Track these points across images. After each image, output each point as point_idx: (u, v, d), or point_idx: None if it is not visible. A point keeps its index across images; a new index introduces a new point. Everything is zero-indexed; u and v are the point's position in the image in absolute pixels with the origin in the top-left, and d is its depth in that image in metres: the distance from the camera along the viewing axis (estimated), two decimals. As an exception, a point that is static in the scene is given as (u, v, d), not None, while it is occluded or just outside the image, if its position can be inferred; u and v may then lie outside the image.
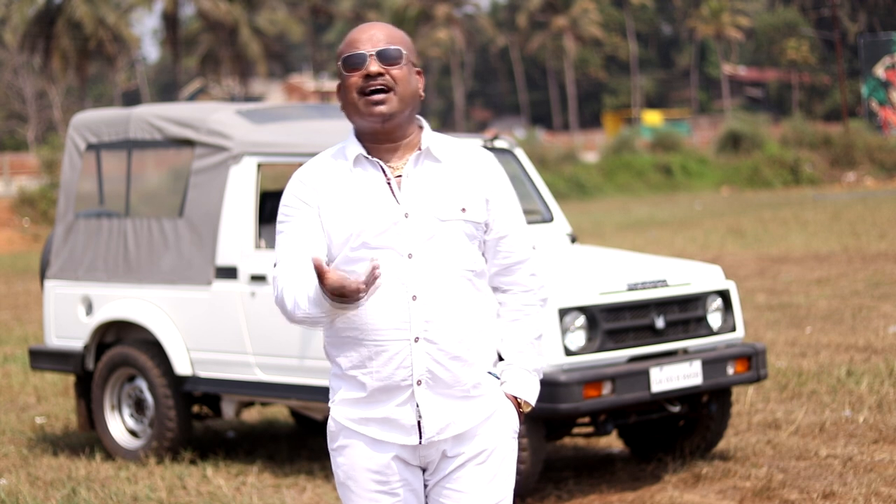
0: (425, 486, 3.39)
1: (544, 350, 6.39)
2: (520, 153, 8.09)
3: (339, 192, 3.29)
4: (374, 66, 3.25)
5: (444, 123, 77.65)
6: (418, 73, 3.35)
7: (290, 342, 7.22)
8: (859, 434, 7.71)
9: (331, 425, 3.38)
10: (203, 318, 7.66)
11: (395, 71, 3.26)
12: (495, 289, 3.43)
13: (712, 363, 6.88)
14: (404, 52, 3.28)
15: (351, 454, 3.34)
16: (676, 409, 7.06)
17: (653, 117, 72.39)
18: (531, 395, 3.43)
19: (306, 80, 79.45)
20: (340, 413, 3.34)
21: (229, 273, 7.53)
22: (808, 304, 13.46)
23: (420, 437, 3.29)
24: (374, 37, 3.28)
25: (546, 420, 6.67)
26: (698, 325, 6.98)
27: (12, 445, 8.58)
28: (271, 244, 7.43)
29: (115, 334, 8.16)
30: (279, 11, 61.69)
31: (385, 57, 3.26)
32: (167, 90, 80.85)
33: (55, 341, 8.33)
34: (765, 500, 6.54)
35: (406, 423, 3.28)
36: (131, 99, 74.93)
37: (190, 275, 7.71)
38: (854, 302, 13.45)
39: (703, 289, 7.02)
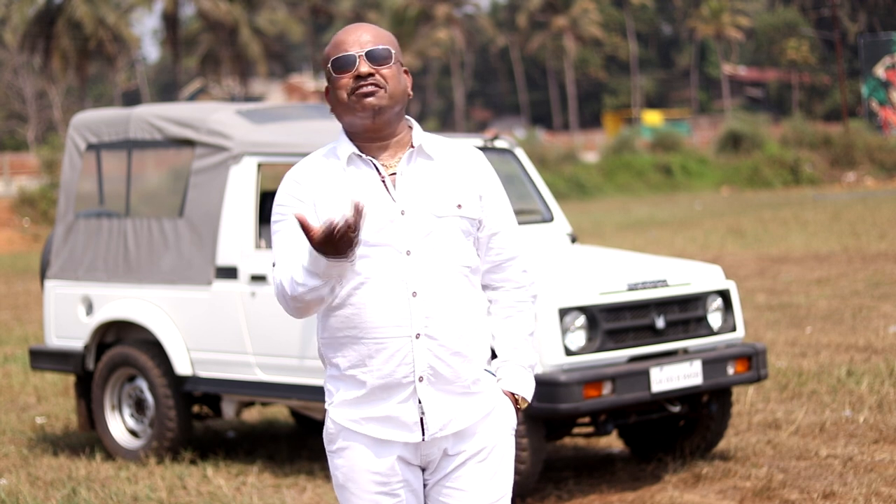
0: (425, 485, 3.39)
1: (536, 346, 6.41)
2: (520, 153, 8.09)
3: (334, 191, 3.29)
4: (364, 67, 3.27)
5: (444, 123, 77.65)
6: (405, 72, 3.37)
7: (290, 342, 7.22)
8: (859, 434, 7.71)
9: (329, 427, 3.37)
10: (203, 318, 7.66)
11: (384, 70, 3.29)
12: (486, 286, 3.44)
13: (712, 363, 6.88)
14: (393, 51, 3.30)
15: (351, 456, 3.33)
16: (676, 409, 7.06)
17: (653, 117, 72.39)
18: (528, 392, 3.44)
19: (306, 80, 79.44)
20: (340, 414, 3.34)
21: (229, 273, 7.53)
22: (808, 304, 13.46)
23: (423, 434, 3.29)
24: (361, 38, 3.30)
25: (546, 420, 6.67)
26: (698, 325, 6.98)
27: (12, 445, 8.58)
28: (271, 244, 7.42)
29: (115, 334, 8.16)
30: (279, 11, 61.71)
31: (374, 57, 3.28)
32: (167, 90, 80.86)
33: (55, 341, 8.33)
34: (765, 500, 6.54)
35: (408, 420, 3.28)
36: (131, 99, 74.93)
37: (190, 275, 7.71)
38: (854, 302, 13.45)
39: (704, 289, 7.02)
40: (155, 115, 8.06)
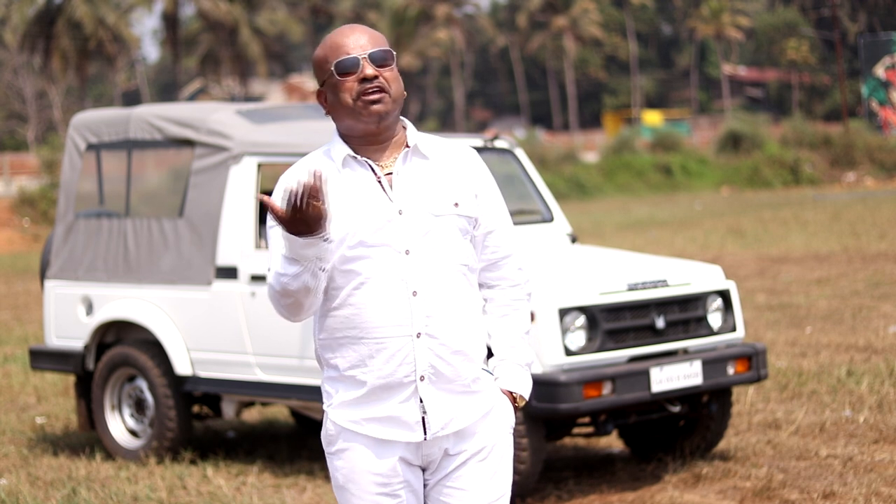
0: (425, 485, 3.39)
1: (536, 346, 6.40)
2: (520, 153, 8.09)
3: (330, 193, 3.30)
4: (369, 70, 3.27)
5: (444, 123, 77.63)
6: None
7: (290, 342, 7.23)
8: (859, 434, 7.71)
9: (328, 428, 3.37)
10: (203, 318, 7.66)
11: (387, 73, 3.30)
12: (481, 285, 3.45)
13: (712, 363, 6.88)
14: (393, 53, 3.32)
15: (351, 457, 3.33)
16: (676, 409, 7.06)
17: (653, 117, 72.38)
18: (526, 390, 3.46)
19: (306, 80, 79.43)
20: (339, 415, 3.34)
21: (229, 273, 7.53)
22: (808, 304, 13.46)
23: (424, 434, 3.29)
24: (359, 40, 3.31)
25: (546, 420, 6.67)
26: (698, 325, 6.98)
27: (12, 445, 8.58)
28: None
29: (115, 334, 8.16)
30: (279, 11, 61.70)
31: (377, 59, 3.29)
32: (167, 90, 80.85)
33: (55, 341, 8.33)
34: (765, 500, 6.54)
35: (410, 419, 3.28)
36: (131, 99, 74.93)
37: (190, 275, 7.71)
38: (854, 302, 13.45)
39: (704, 289, 7.02)
40: (155, 115, 8.06)
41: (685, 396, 7.03)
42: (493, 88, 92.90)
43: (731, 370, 6.97)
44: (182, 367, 7.71)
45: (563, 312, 6.47)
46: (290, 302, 3.20)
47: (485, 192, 3.40)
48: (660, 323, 6.77)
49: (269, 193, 7.72)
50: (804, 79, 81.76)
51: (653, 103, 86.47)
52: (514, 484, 6.24)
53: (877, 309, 12.84)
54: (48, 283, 8.37)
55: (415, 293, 3.26)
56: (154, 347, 7.87)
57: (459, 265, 3.33)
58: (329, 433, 3.37)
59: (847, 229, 22.56)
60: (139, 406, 8.01)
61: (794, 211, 28.71)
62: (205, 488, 7.19)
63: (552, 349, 6.42)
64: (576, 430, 7.42)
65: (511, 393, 3.43)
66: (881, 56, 49.79)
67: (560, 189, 38.24)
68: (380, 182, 3.31)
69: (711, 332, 7.01)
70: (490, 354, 3.46)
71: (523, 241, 7.41)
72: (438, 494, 3.37)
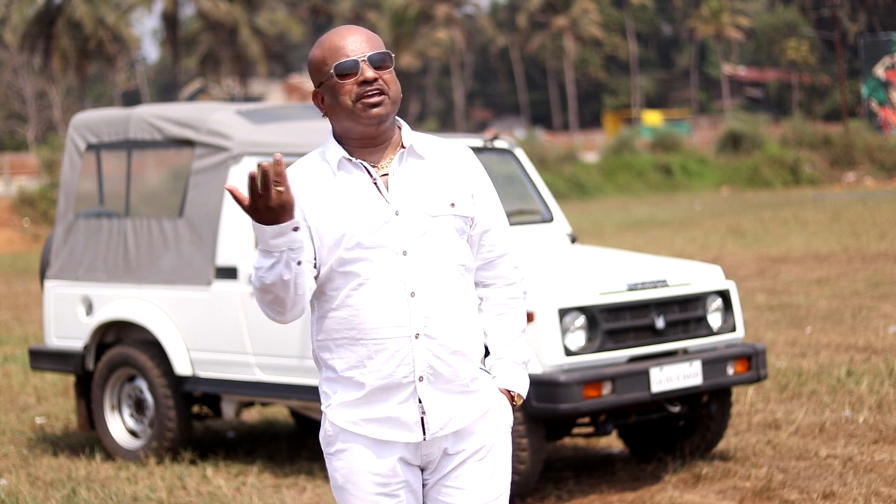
0: (424, 485, 3.40)
1: (536, 346, 6.40)
2: (520, 153, 8.09)
3: (326, 196, 3.30)
4: (369, 72, 3.28)
5: (444, 123, 77.64)
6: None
7: (289, 342, 7.23)
8: (859, 434, 7.71)
9: (327, 429, 3.37)
10: (203, 318, 7.66)
11: (386, 75, 3.30)
12: (477, 283, 3.45)
13: (712, 363, 6.88)
14: (392, 55, 3.32)
15: (350, 458, 3.33)
16: (676, 409, 7.06)
17: (653, 117, 72.38)
18: (523, 388, 3.46)
19: (306, 81, 79.38)
20: (338, 416, 3.33)
21: (229, 273, 7.54)
22: (808, 304, 13.46)
23: (424, 434, 3.29)
24: (358, 41, 3.31)
25: (546, 420, 6.67)
26: (698, 326, 6.98)
27: (12, 445, 8.58)
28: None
29: (115, 334, 8.16)
30: (279, 11, 61.68)
31: (376, 62, 3.29)
32: (167, 90, 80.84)
33: (55, 341, 8.33)
34: (765, 500, 6.54)
35: (409, 420, 3.29)
36: (131, 99, 74.92)
37: (190, 275, 7.71)
38: (854, 302, 13.45)
39: (703, 289, 7.02)
40: (155, 116, 8.07)
41: (685, 396, 7.03)
42: (493, 88, 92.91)
43: (730, 370, 6.97)
44: (182, 368, 7.71)
45: (563, 312, 6.47)
46: (270, 298, 3.19)
47: (481, 192, 3.41)
48: (660, 323, 6.77)
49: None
50: (804, 79, 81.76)
51: (653, 103, 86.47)
52: (514, 484, 6.25)
53: (877, 309, 12.84)
54: (48, 283, 8.37)
55: (413, 294, 3.26)
56: (154, 347, 7.87)
57: (457, 265, 3.33)
58: (328, 434, 3.37)
59: (847, 229, 22.56)
60: (139, 406, 8.01)
61: (794, 211, 28.71)
62: (205, 488, 7.19)
63: (552, 349, 6.42)
64: (576, 430, 7.42)
65: (509, 392, 3.44)
66: (881, 56, 49.80)
67: (560, 189, 38.24)
68: (375, 184, 3.31)
69: (711, 333, 7.01)
70: (486, 353, 3.47)
71: (523, 241, 7.43)
72: (437, 494, 3.37)
